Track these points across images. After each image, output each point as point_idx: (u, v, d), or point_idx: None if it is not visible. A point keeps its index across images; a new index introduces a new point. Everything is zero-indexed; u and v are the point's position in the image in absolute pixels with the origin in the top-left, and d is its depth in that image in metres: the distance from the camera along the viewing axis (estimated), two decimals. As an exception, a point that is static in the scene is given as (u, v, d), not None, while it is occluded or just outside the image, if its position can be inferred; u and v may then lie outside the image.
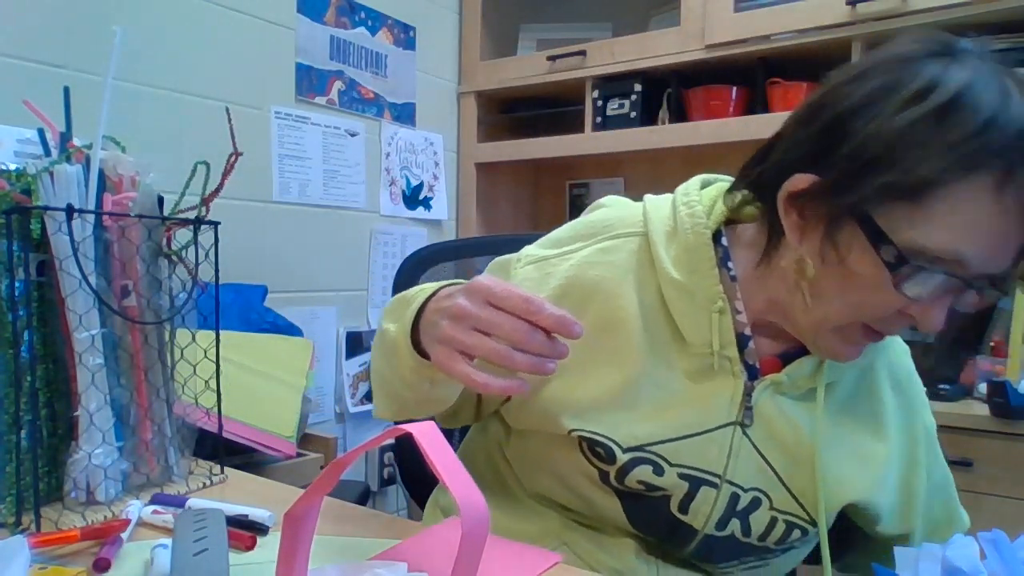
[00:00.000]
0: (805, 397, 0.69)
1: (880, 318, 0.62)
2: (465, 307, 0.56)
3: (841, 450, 0.70)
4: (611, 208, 0.78)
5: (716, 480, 0.68)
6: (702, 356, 0.68)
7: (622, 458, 0.67)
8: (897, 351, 0.77)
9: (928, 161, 0.54)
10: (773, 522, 0.69)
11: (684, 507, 0.68)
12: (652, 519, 0.70)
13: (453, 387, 0.69)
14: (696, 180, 0.74)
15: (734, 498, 0.68)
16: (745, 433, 0.68)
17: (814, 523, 0.69)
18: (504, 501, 0.76)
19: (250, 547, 0.63)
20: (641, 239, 0.71)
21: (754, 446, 0.68)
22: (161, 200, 0.78)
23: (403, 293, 0.69)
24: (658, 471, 0.67)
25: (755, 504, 0.69)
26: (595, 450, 0.68)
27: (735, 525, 0.69)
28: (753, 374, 0.69)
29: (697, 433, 0.67)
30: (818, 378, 0.68)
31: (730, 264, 0.69)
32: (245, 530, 0.64)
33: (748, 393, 0.68)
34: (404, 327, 0.64)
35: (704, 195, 0.72)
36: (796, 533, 0.70)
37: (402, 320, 0.64)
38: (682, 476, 0.67)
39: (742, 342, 0.68)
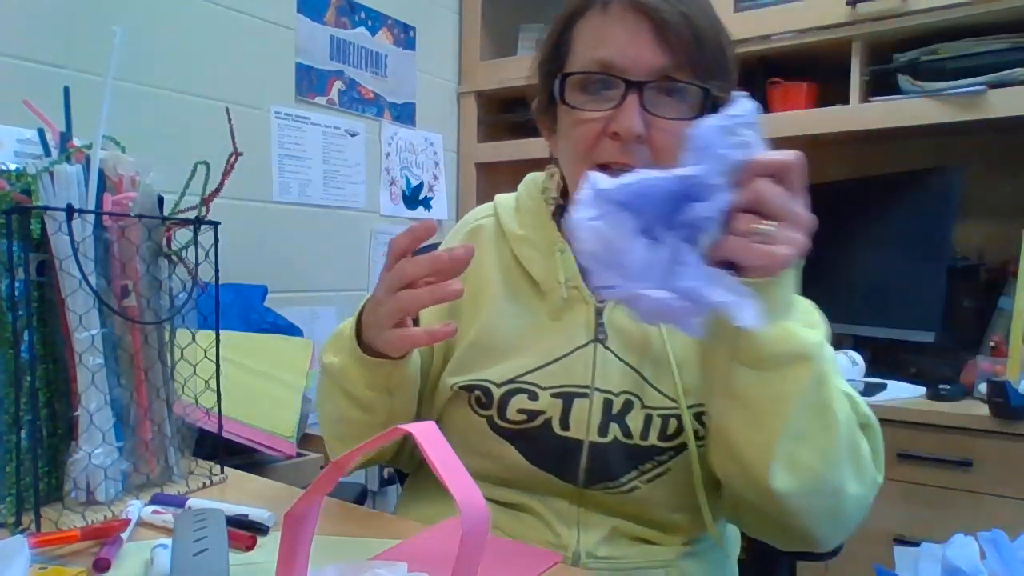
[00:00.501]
0: None
1: (592, 146, 0.72)
2: (382, 275, 0.66)
3: (688, 346, 0.76)
4: (471, 212, 0.93)
5: (586, 391, 0.75)
6: (555, 294, 0.78)
7: (498, 392, 0.76)
8: None
9: (558, 19, 0.76)
10: (648, 419, 0.75)
11: (565, 423, 0.75)
12: (542, 448, 0.76)
13: (409, 394, 0.76)
14: (532, 174, 0.89)
15: (607, 403, 0.75)
16: (606, 347, 0.76)
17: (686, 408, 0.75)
18: (440, 497, 0.81)
19: (250, 547, 0.63)
20: (493, 219, 0.86)
21: (615, 355, 0.76)
22: (161, 200, 0.78)
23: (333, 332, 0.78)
24: (533, 397, 0.75)
25: (628, 406, 0.75)
26: (477, 397, 0.77)
27: (615, 429, 0.75)
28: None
29: (561, 356, 0.76)
30: None
31: (567, 215, 0.79)
32: (245, 530, 0.64)
33: (600, 313, 0.77)
34: (349, 346, 0.71)
35: (539, 176, 0.87)
36: (673, 423, 0.74)
37: (344, 344, 0.72)
38: (555, 395, 0.75)
39: (587, 275, 0.78)
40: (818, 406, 0.63)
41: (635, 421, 0.75)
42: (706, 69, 0.70)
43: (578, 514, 0.76)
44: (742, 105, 0.55)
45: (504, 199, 0.88)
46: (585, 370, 0.76)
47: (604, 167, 0.69)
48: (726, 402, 0.66)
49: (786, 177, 0.55)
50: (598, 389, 0.75)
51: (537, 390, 0.76)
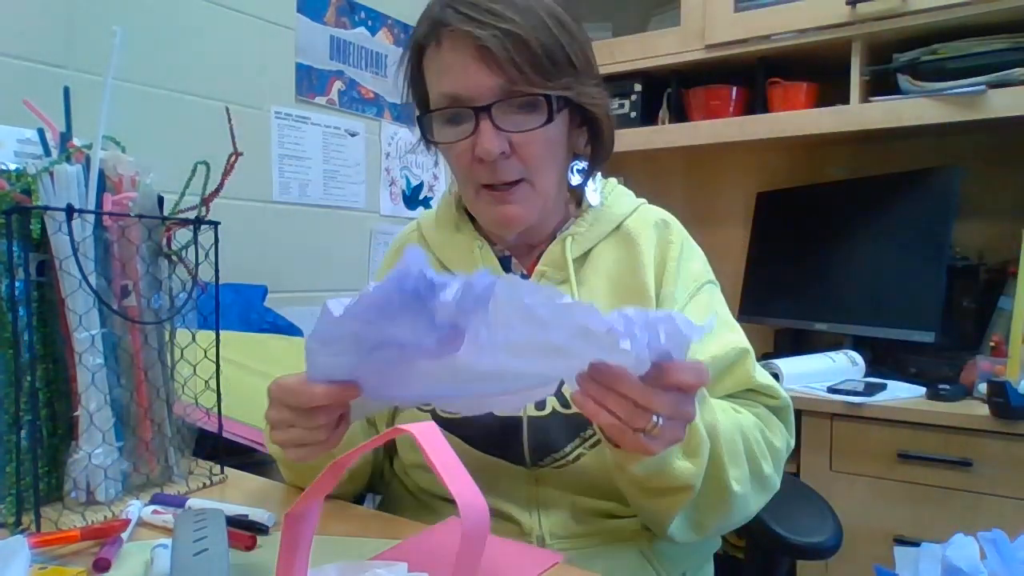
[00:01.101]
0: (569, 280, 0.82)
1: (470, 171, 0.77)
2: (270, 415, 0.65)
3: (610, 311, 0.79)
4: (400, 233, 1.00)
5: None
6: None
7: None
8: (673, 238, 0.86)
9: (407, 58, 0.80)
10: None
11: None
12: (485, 432, 0.78)
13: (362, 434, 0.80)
14: (448, 188, 0.93)
15: None
16: None
17: None
18: (419, 508, 0.84)
19: (250, 547, 0.63)
20: (417, 232, 0.92)
21: None
22: (161, 200, 0.79)
23: None
24: None
25: None
26: None
27: (552, 401, 0.77)
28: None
29: None
30: (566, 255, 0.82)
31: None
32: (245, 530, 0.64)
33: None
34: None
35: (452, 188, 0.91)
36: None
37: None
38: None
39: (505, 264, 0.85)
40: (708, 496, 0.69)
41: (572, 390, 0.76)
42: (543, 74, 0.72)
43: (537, 496, 0.78)
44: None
45: (426, 214, 0.94)
46: None
47: (489, 187, 0.76)
48: (626, 498, 0.73)
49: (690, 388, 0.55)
50: None
51: None
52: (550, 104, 0.73)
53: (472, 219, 0.87)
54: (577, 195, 0.86)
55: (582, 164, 0.83)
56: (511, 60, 0.70)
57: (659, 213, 0.88)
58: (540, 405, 0.77)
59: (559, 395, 0.77)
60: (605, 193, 0.87)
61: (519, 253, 0.85)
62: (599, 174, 0.87)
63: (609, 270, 0.82)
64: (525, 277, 0.82)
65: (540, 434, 0.77)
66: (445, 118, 0.76)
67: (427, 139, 0.80)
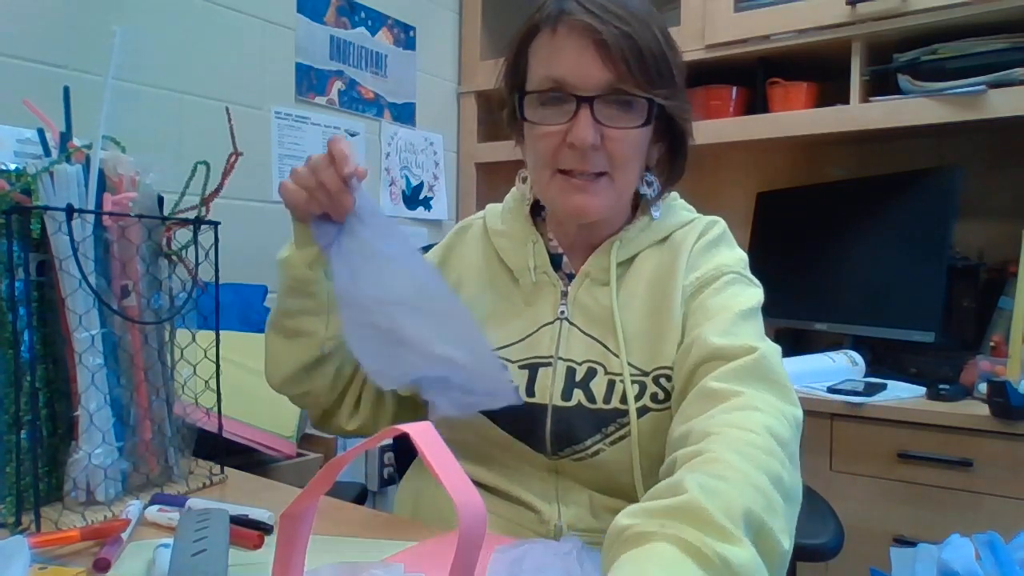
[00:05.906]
0: (610, 282, 0.84)
1: (554, 155, 0.78)
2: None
3: (644, 317, 0.83)
4: None
5: (549, 360, 0.83)
6: (525, 279, 0.86)
7: None
8: (707, 233, 0.87)
9: (515, 39, 0.82)
10: (611, 384, 0.80)
11: (530, 390, 0.81)
12: (512, 414, 0.79)
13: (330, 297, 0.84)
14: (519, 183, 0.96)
15: (570, 371, 0.81)
16: (571, 323, 0.84)
17: (645, 373, 0.80)
18: (437, 490, 0.82)
19: (258, 545, 0.63)
20: (481, 220, 0.95)
21: (579, 329, 0.83)
22: (161, 200, 0.79)
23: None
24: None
25: (591, 373, 0.81)
26: None
27: (579, 395, 0.80)
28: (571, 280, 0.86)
29: (530, 333, 0.84)
30: (611, 258, 0.84)
31: (543, 213, 0.91)
32: (252, 529, 0.64)
33: (565, 294, 0.85)
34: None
35: (525, 185, 0.93)
36: (635, 388, 0.79)
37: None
38: (523, 367, 0.83)
39: (556, 261, 0.87)
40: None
41: (598, 387, 0.80)
42: (649, 80, 0.76)
43: (556, 488, 0.80)
44: None
45: (494, 205, 0.96)
46: (551, 343, 0.83)
47: (566, 173, 0.78)
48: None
49: None
50: (561, 358, 0.82)
51: (507, 363, 0.82)
52: (650, 108, 0.77)
53: (534, 216, 0.90)
54: (634, 204, 0.89)
55: (652, 179, 0.86)
56: (624, 59, 0.74)
57: (710, 218, 0.90)
58: (566, 396, 0.80)
59: (586, 390, 0.79)
60: (663, 206, 0.89)
61: (573, 253, 0.87)
62: (670, 193, 0.89)
63: (649, 274, 0.84)
64: (572, 277, 0.86)
65: (563, 424, 0.79)
66: (542, 100, 0.78)
67: (521, 116, 0.81)
